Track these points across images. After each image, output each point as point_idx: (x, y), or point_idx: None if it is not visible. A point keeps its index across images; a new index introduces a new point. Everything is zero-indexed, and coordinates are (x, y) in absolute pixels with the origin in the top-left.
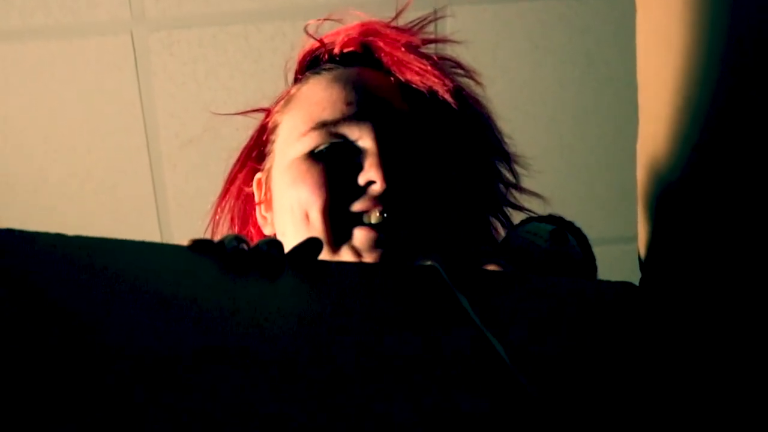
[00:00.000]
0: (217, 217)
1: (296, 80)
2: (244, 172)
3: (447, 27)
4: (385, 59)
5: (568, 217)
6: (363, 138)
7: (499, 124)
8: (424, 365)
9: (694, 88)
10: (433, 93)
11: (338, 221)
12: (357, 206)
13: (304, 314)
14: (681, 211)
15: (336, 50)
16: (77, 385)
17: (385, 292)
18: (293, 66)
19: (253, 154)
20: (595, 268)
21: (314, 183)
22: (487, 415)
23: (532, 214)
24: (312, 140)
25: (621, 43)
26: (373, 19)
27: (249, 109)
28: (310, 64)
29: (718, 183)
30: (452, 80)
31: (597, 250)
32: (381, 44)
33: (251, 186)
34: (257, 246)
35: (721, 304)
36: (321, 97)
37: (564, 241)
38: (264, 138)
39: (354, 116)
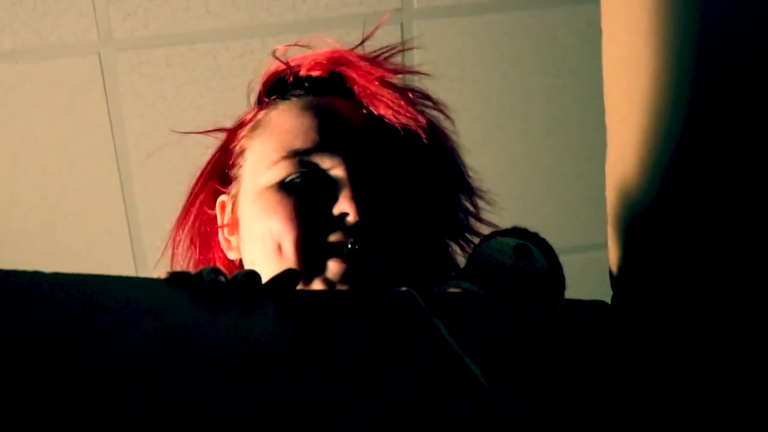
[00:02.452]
0: (178, 238)
1: (260, 102)
2: (205, 193)
3: (414, 40)
4: (357, 91)
5: (539, 227)
6: (335, 168)
7: (464, 157)
8: (401, 388)
9: (663, 113)
10: (404, 128)
11: (311, 253)
12: (330, 238)
13: (286, 343)
14: (650, 234)
15: (303, 73)
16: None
17: (362, 319)
18: (256, 86)
19: (215, 176)
20: (562, 278)
21: (287, 215)
22: (456, 425)
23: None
24: (283, 169)
25: (588, 53)
26: (341, 47)
27: (212, 128)
28: (275, 87)
29: (687, 206)
30: (424, 116)
31: (568, 258)
32: (354, 75)
33: (213, 208)
34: (235, 277)
35: (692, 324)
36: (292, 125)
37: (528, 254)
38: (230, 162)
39: (326, 146)
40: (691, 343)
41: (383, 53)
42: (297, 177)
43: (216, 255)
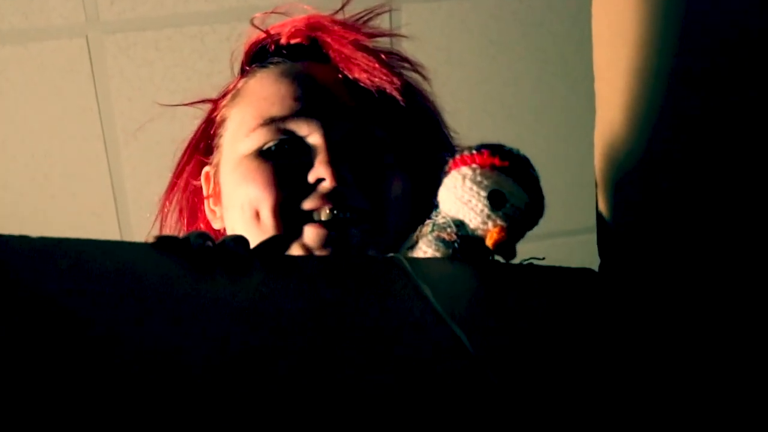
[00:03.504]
0: (166, 210)
1: (243, 72)
2: (191, 165)
3: (402, 23)
4: (332, 55)
5: None
6: (312, 135)
7: (445, 117)
8: (387, 354)
9: (649, 76)
10: (380, 90)
11: (289, 219)
12: (307, 204)
13: (274, 307)
14: (638, 196)
15: (283, 41)
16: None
17: (348, 284)
18: (239, 57)
19: (200, 147)
20: (540, 200)
21: (264, 181)
22: (448, 400)
23: None
24: (260, 137)
25: (575, 38)
26: (320, 13)
27: (197, 100)
28: (257, 56)
29: (673, 167)
30: (400, 77)
31: (554, 243)
32: (328, 40)
33: (199, 179)
34: (223, 243)
35: (679, 288)
36: (269, 93)
37: (502, 202)
38: (211, 131)
39: (302, 112)
40: (679, 307)
41: (360, 17)
42: (274, 144)
43: (201, 226)
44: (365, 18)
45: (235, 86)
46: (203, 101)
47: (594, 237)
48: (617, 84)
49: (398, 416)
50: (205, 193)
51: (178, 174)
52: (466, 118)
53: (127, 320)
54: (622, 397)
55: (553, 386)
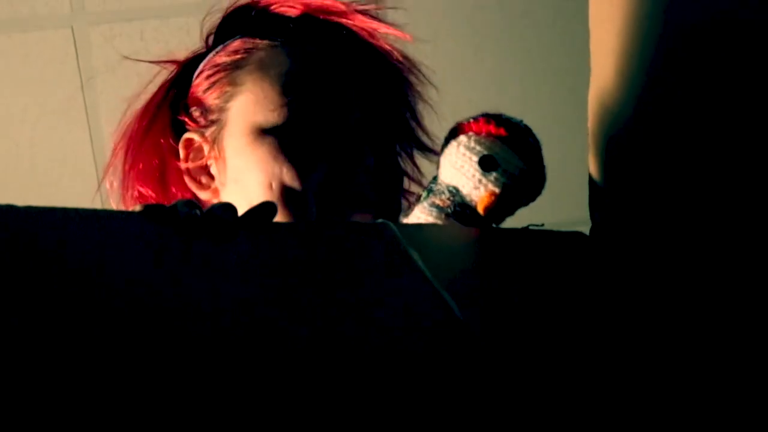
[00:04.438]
0: (127, 167)
1: (220, 40)
2: (158, 123)
3: (387, 13)
4: (356, 29)
5: None
6: (341, 116)
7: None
8: (376, 320)
9: (644, 33)
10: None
11: (328, 201)
12: (349, 190)
13: (259, 272)
14: (630, 153)
15: (275, 8)
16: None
17: (338, 249)
18: (212, 20)
19: (167, 105)
20: (541, 168)
21: (300, 161)
22: (431, 355)
23: None
24: (287, 113)
25: (562, 26)
26: None
27: (164, 59)
28: (240, 23)
29: (666, 125)
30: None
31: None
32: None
33: (168, 139)
34: (211, 210)
35: (669, 249)
36: (289, 70)
37: (493, 166)
38: (200, 95)
39: (331, 97)
40: (670, 269)
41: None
42: (306, 124)
43: (173, 190)
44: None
45: (234, 56)
46: (171, 62)
47: (584, 229)
48: (613, 29)
49: (382, 380)
50: (184, 160)
51: (141, 132)
52: (450, 109)
53: (114, 278)
54: (609, 362)
55: (538, 349)
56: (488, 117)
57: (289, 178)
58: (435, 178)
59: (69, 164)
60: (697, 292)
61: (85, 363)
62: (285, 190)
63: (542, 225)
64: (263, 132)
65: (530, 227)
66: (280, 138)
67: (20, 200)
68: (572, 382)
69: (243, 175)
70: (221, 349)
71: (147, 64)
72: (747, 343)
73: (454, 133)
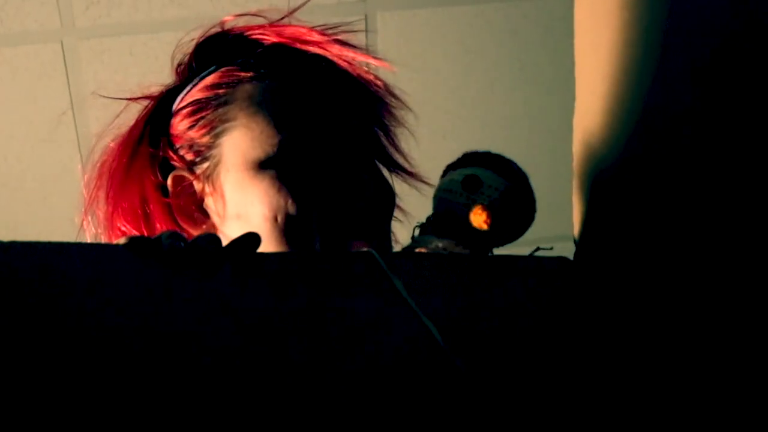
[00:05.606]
0: (110, 209)
1: (194, 69)
2: (140, 160)
3: (378, 31)
4: (324, 54)
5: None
6: (338, 146)
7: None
8: (359, 348)
9: (630, 65)
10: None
11: (331, 232)
12: (350, 219)
13: (247, 303)
14: (615, 188)
15: (250, 34)
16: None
17: (323, 278)
18: (184, 49)
19: (146, 141)
20: (528, 190)
21: (302, 193)
22: (417, 389)
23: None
24: (287, 147)
25: (550, 46)
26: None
27: (139, 95)
28: (215, 53)
29: (651, 158)
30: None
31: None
32: (309, 44)
33: (151, 176)
34: (195, 242)
35: (654, 278)
36: (287, 104)
37: (478, 184)
38: (188, 136)
39: (326, 129)
40: (653, 299)
41: (334, 29)
42: (304, 157)
43: (158, 227)
44: (340, 30)
45: (216, 90)
46: (147, 97)
47: (567, 245)
48: (599, 71)
49: (366, 407)
50: (172, 196)
51: (122, 170)
52: (440, 126)
53: (101, 318)
54: (592, 386)
55: (521, 375)
56: (472, 153)
57: (294, 210)
58: (430, 217)
59: (58, 178)
60: (678, 321)
61: (66, 396)
62: (290, 223)
63: (551, 248)
64: (262, 166)
65: (539, 249)
66: (280, 171)
67: (8, 214)
68: (554, 410)
69: (246, 209)
70: (208, 381)
71: (136, 77)
72: (724, 381)
73: (443, 174)
